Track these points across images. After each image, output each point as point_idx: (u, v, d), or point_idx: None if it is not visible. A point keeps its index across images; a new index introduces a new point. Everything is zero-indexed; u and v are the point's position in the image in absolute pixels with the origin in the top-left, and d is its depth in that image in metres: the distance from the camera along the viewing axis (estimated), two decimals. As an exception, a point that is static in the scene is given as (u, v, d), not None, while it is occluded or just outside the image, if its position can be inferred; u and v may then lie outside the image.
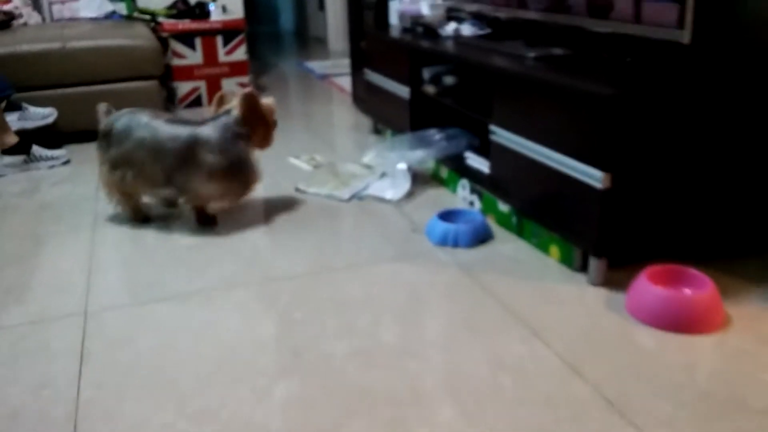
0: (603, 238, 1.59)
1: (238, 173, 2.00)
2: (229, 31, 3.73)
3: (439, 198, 2.31)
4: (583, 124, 1.58)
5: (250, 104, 2.00)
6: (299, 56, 5.72)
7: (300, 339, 1.45)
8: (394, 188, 2.32)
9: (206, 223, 2.10)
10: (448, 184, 2.38)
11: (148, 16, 3.77)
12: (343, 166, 2.61)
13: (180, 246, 1.97)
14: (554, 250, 1.81)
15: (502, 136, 1.95)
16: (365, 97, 3.20)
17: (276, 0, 8.03)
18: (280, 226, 2.12)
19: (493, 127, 2.00)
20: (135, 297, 1.67)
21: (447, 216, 2.02)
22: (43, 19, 3.77)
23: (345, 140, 3.13)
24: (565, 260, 1.76)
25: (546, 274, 1.73)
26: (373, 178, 2.44)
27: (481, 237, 1.94)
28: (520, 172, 1.88)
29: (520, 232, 1.96)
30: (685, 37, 1.57)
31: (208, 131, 1.95)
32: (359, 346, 1.41)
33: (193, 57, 3.69)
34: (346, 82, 4.14)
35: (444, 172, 2.41)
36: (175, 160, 1.94)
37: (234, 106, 2.00)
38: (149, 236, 2.04)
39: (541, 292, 1.63)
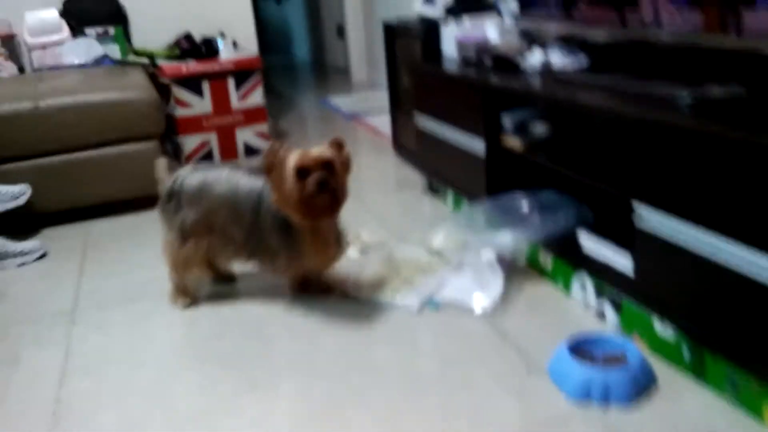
0: None
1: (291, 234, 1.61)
2: (242, 72, 3.11)
3: (549, 303, 1.64)
4: None
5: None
6: (319, 90, 5.11)
7: None
8: (483, 290, 1.66)
9: (309, 290, 1.77)
10: (556, 278, 1.71)
11: (145, 59, 3.16)
12: (402, 252, 1.95)
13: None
14: (775, 414, 1.13)
15: (659, 222, 1.28)
16: (414, 147, 2.55)
17: (289, 27, 7.45)
18: (315, 375, 1.46)
19: (640, 208, 1.33)
20: None
21: (579, 346, 1.35)
22: (21, 70, 3.18)
23: (394, 205, 2.47)
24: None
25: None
26: (447, 271, 1.78)
27: (642, 386, 1.26)
28: (697, 281, 1.21)
29: (698, 372, 1.28)
30: None
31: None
32: None
33: (200, 105, 3.07)
34: (380, 123, 3.50)
35: (546, 261, 1.74)
36: (250, 218, 1.63)
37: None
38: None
39: None
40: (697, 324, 1.24)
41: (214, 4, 3.58)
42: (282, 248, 1.61)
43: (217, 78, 3.07)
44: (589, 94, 1.57)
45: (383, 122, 3.33)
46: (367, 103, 4.16)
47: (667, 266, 1.29)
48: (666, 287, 1.31)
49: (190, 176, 1.69)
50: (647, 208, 1.32)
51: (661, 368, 1.33)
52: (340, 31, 5.60)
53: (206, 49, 3.16)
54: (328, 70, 6.05)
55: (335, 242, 1.64)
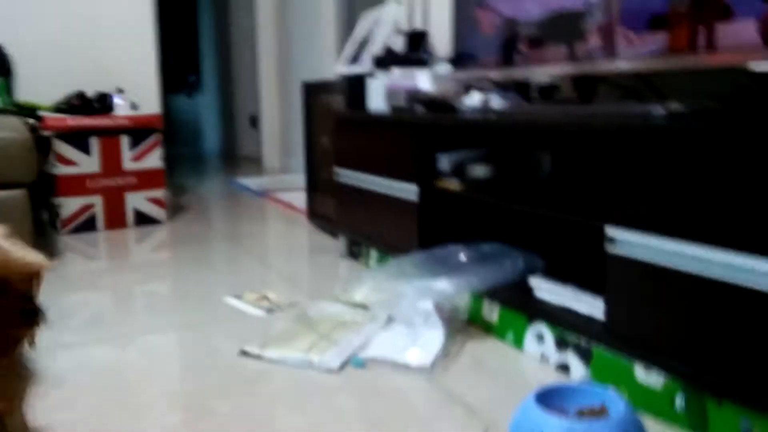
0: None
1: None
2: (139, 131, 2.78)
3: (499, 359, 1.35)
4: None
5: None
6: (228, 174, 4.81)
7: None
8: (421, 344, 1.35)
9: None
10: (502, 333, 1.43)
11: (25, 111, 2.79)
12: (318, 308, 1.62)
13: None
14: (811, 472, 0.86)
15: (636, 243, 1.05)
16: (333, 209, 2.28)
17: (199, 119, 7.23)
18: (218, 432, 1.07)
19: (611, 231, 1.10)
20: None
21: (545, 399, 1.05)
22: None
23: (308, 269, 2.15)
24: None
25: None
26: (374, 328, 1.46)
27: (634, 444, 0.97)
28: (689, 306, 0.97)
29: (697, 425, 1.01)
30: None
31: None
32: None
33: (86, 164, 2.69)
34: (294, 198, 3.24)
35: (492, 314, 1.46)
36: None
37: None
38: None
39: None
40: (693, 363, 0.99)
41: (114, 59, 3.28)
42: None
43: (109, 135, 2.72)
44: (544, 112, 1.39)
45: (297, 198, 3.08)
46: (279, 184, 3.90)
47: (647, 295, 1.05)
48: (648, 322, 1.06)
49: None
50: (620, 229, 1.09)
51: (651, 425, 1.05)
52: (254, 121, 5.43)
53: (100, 104, 2.83)
54: (238, 160, 5.80)
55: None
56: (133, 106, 2.94)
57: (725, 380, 0.94)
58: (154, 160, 2.82)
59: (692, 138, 0.96)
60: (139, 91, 3.17)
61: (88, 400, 1.20)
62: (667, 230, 1.01)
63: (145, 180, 2.81)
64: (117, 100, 2.85)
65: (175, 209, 3.21)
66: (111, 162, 2.73)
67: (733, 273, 0.92)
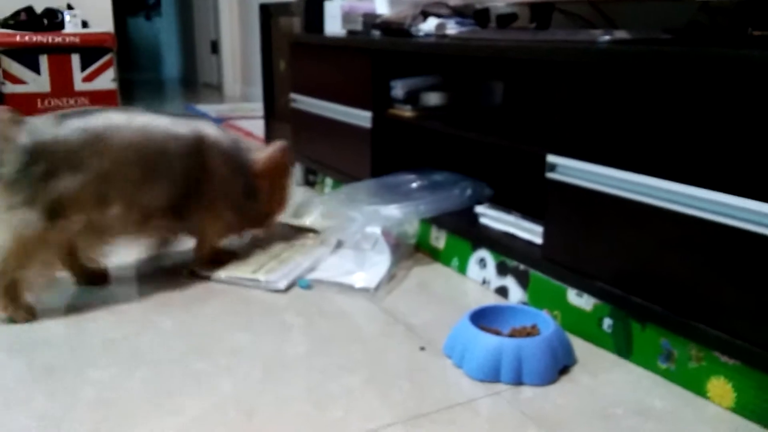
0: None
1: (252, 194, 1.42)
2: (90, 49, 2.68)
3: (442, 283, 1.38)
4: None
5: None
6: (188, 101, 4.70)
7: None
8: (367, 268, 1.37)
9: (218, 262, 1.41)
10: (447, 259, 1.47)
11: (-31, 25, 2.66)
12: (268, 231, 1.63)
13: None
14: (718, 385, 0.92)
15: (574, 170, 1.08)
16: (290, 134, 2.26)
17: (159, 44, 6.98)
18: (163, 350, 1.09)
19: (556, 160, 1.13)
20: None
21: (481, 318, 1.09)
22: None
23: (261, 196, 2.14)
24: (745, 405, 0.88)
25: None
26: (322, 252, 1.48)
27: (560, 360, 1.02)
28: (618, 230, 1.00)
29: (623, 346, 1.07)
30: None
31: (214, 130, 1.37)
32: None
33: (36, 83, 2.60)
34: (253, 126, 3.19)
35: (439, 240, 1.49)
36: (182, 169, 1.28)
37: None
38: None
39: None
40: (620, 287, 1.03)
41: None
42: (231, 206, 1.38)
43: (59, 53, 2.63)
44: (497, 38, 1.38)
45: (256, 126, 3.03)
46: (238, 111, 3.83)
47: (581, 221, 1.09)
48: (581, 248, 1.10)
49: (64, 126, 1.17)
50: (560, 158, 1.11)
51: (580, 345, 1.10)
52: (215, 47, 5.27)
53: (48, 21, 2.71)
54: (199, 87, 5.66)
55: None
56: (84, 24, 2.83)
57: (649, 302, 0.99)
58: (106, 81, 2.73)
59: (626, 64, 0.98)
60: (90, 10, 3.03)
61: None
62: (603, 159, 1.03)
63: (98, 101, 2.73)
64: (67, 17, 2.73)
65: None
66: (61, 81, 2.64)
67: (661, 199, 0.95)
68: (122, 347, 1.09)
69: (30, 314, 1.18)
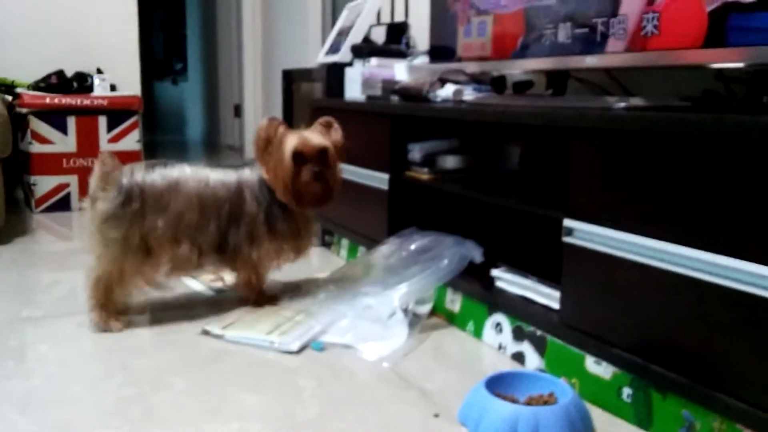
0: None
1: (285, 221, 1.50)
2: (117, 112, 2.77)
3: (457, 347, 1.36)
4: None
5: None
6: (209, 163, 4.78)
7: None
8: (381, 339, 1.35)
9: (265, 301, 1.55)
10: (462, 322, 1.45)
11: (2, 88, 2.77)
12: (284, 295, 1.63)
13: None
14: (745, 462, 0.89)
15: (592, 235, 1.07)
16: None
17: (184, 107, 7.19)
18: (176, 410, 1.08)
19: (573, 224, 1.12)
20: None
21: (497, 385, 1.07)
22: None
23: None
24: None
25: None
26: (337, 317, 1.47)
27: (578, 429, 0.99)
28: (638, 297, 0.99)
29: (643, 417, 1.03)
30: None
31: (251, 173, 1.51)
32: None
33: (63, 143, 2.68)
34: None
35: (455, 304, 1.48)
36: (229, 212, 1.45)
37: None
38: None
39: None
40: (641, 356, 1.01)
41: (95, 40, 3.23)
42: (266, 237, 1.47)
43: (87, 114, 2.71)
44: (512, 104, 1.40)
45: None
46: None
47: (599, 287, 1.07)
48: (599, 314, 1.08)
49: (151, 173, 1.40)
50: (576, 222, 1.11)
51: (599, 414, 1.07)
52: (237, 111, 5.41)
53: (78, 84, 2.82)
54: (221, 149, 5.78)
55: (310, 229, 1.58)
56: (113, 88, 2.93)
57: (670, 372, 0.97)
58: (131, 142, 2.81)
59: (642, 129, 0.98)
60: (119, 74, 3.14)
61: (46, 370, 1.20)
62: (621, 224, 1.03)
63: (122, 162, 2.78)
64: (96, 81, 2.83)
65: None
66: (88, 142, 2.71)
67: (680, 266, 0.94)
68: (134, 406, 1.08)
69: (123, 324, 1.39)
